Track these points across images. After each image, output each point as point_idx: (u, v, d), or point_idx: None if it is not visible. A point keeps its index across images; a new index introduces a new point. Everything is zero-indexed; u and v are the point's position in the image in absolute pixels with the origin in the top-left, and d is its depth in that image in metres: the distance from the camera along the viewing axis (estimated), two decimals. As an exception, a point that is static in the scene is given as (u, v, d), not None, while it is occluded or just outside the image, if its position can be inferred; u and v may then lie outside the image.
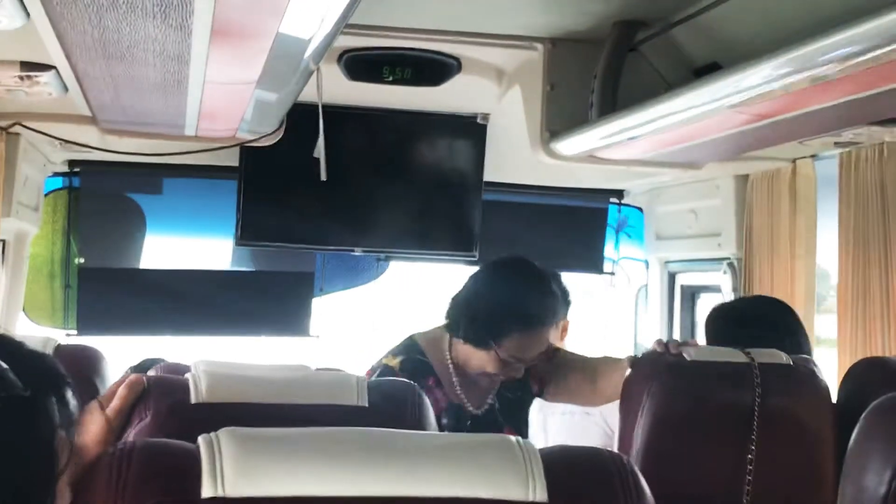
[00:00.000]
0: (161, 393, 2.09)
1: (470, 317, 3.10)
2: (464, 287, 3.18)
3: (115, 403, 1.87)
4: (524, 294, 3.11)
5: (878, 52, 2.04)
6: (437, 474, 1.20)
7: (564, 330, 3.69)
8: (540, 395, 3.32)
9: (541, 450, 1.26)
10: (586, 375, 3.21)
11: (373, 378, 2.92)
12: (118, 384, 1.96)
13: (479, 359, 3.11)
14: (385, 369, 3.12)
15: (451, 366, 3.19)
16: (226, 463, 1.17)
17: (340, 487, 1.18)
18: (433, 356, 3.19)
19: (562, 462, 1.28)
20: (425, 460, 1.22)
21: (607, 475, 1.29)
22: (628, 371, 2.77)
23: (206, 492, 1.17)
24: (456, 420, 3.14)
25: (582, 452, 1.33)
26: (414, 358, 3.17)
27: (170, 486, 1.18)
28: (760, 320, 3.10)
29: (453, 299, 3.18)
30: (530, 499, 1.22)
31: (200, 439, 1.20)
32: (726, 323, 3.14)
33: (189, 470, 1.18)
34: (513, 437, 1.27)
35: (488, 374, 3.13)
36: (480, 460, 1.23)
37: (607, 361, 3.18)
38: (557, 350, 3.32)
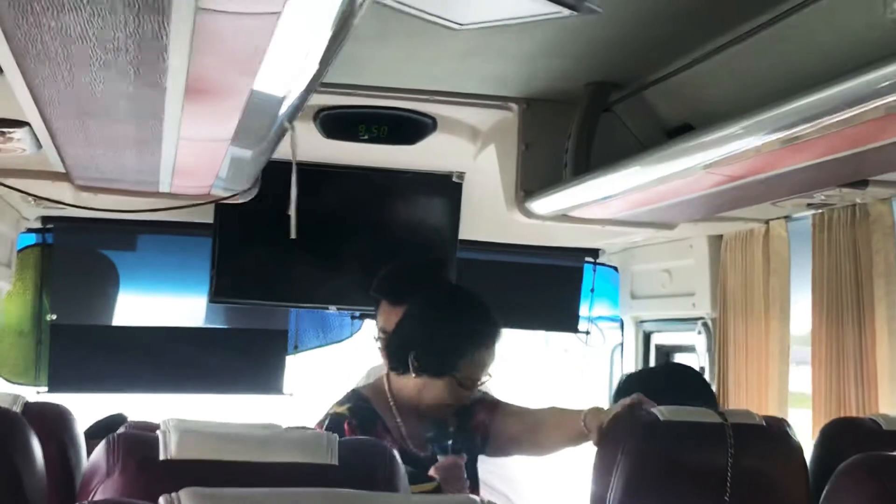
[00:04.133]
0: (129, 449, 2.08)
1: (423, 348, 3.14)
2: (404, 325, 3.22)
3: None
4: (473, 315, 3.19)
5: (850, 113, 2.06)
6: (402, 536, 1.19)
7: None
8: (482, 450, 3.30)
9: (507, 511, 1.25)
10: (528, 426, 3.25)
11: (323, 429, 2.97)
12: None
13: (433, 390, 3.14)
14: (333, 417, 3.16)
15: (394, 410, 3.22)
16: (186, 525, 1.16)
17: (303, 549, 1.17)
18: (376, 402, 3.23)
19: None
20: (389, 522, 1.21)
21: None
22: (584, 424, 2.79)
23: (167, 554, 1.15)
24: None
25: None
26: (360, 405, 3.21)
27: (130, 547, 1.16)
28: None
29: (396, 339, 3.22)
30: (496, 562, 1.21)
31: (161, 500, 1.19)
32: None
33: (150, 531, 1.16)
34: (478, 498, 1.25)
35: (441, 405, 3.15)
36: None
37: (553, 412, 3.23)
38: (499, 402, 3.32)
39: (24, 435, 2.07)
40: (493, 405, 3.28)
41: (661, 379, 3.33)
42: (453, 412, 3.22)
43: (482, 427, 3.28)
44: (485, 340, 3.16)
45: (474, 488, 3.21)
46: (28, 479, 1.98)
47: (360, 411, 3.19)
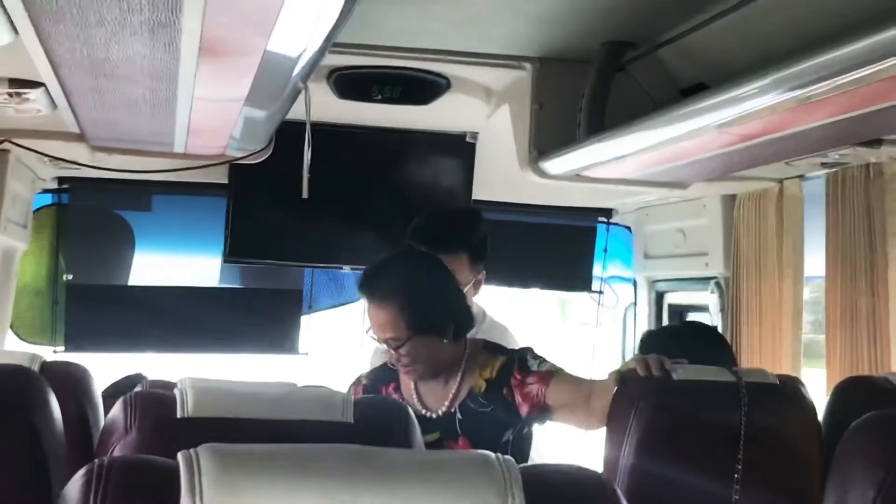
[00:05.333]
0: (147, 407, 2.10)
1: (457, 313, 3.16)
2: (430, 292, 3.14)
3: None
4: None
5: (865, 72, 2.05)
6: (417, 491, 1.20)
7: (479, 283, 3.68)
8: (538, 418, 3.18)
9: (521, 467, 1.26)
10: (582, 394, 3.11)
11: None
12: None
13: (449, 353, 3.15)
14: (356, 380, 3.26)
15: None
16: (205, 479, 1.17)
17: (319, 503, 1.18)
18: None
19: (542, 480, 1.28)
20: (405, 477, 1.22)
21: (588, 494, 1.29)
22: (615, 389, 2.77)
23: (186, 508, 1.17)
24: None
25: (562, 471, 1.33)
26: (382, 368, 3.26)
27: (148, 503, 1.17)
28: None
29: (430, 304, 3.12)
30: (509, 516, 1.22)
31: (180, 455, 1.20)
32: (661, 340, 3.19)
33: (168, 486, 1.18)
34: (493, 455, 1.27)
35: (453, 365, 3.16)
36: (460, 477, 1.23)
37: (598, 383, 3.12)
38: (554, 372, 3.17)
39: (42, 394, 2.09)
40: (547, 374, 3.14)
41: (681, 337, 3.32)
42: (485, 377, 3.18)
43: (530, 398, 3.14)
44: None
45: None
46: (47, 438, 2.00)
47: (375, 374, 3.26)
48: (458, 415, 3.15)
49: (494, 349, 3.24)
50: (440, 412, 3.16)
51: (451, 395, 3.17)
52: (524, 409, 3.14)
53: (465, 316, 3.21)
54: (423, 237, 3.58)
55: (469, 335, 3.27)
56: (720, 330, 4.22)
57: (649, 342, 3.24)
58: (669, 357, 2.75)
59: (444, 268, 3.22)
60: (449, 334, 3.12)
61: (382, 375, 3.26)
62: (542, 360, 3.18)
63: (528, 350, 3.23)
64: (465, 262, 3.57)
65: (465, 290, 3.53)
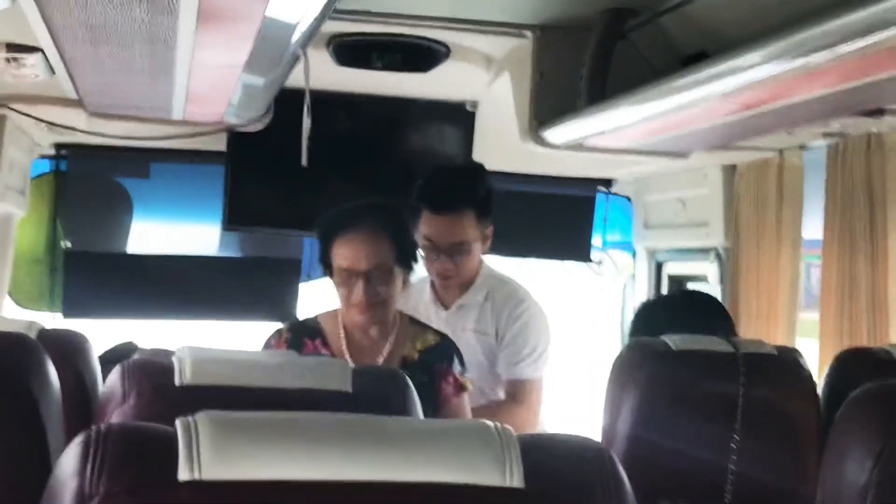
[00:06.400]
0: (144, 375, 2.09)
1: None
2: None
3: None
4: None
5: (867, 41, 2.04)
6: (414, 460, 1.20)
7: (488, 238, 3.75)
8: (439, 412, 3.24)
9: (519, 436, 1.26)
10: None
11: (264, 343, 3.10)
12: None
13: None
14: (273, 334, 3.24)
15: (340, 327, 3.22)
16: (203, 446, 1.17)
17: (317, 472, 1.18)
18: (325, 323, 3.25)
19: (540, 449, 1.27)
20: (402, 446, 1.22)
21: (586, 463, 1.29)
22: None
23: (183, 475, 1.16)
24: None
25: (561, 440, 1.33)
26: (303, 322, 3.30)
27: (145, 470, 1.17)
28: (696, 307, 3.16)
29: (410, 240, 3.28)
30: (507, 485, 1.22)
31: (178, 422, 1.20)
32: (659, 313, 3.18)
33: (166, 453, 1.17)
34: (491, 423, 1.26)
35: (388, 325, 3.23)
36: (458, 446, 1.23)
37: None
38: (466, 388, 3.26)
39: (39, 361, 2.08)
40: (461, 387, 3.23)
41: (680, 306, 3.31)
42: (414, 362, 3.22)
43: (448, 394, 3.22)
44: None
45: None
46: (45, 405, 2.00)
47: (299, 325, 3.30)
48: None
49: (421, 325, 3.34)
50: None
51: (382, 357, 3.21)
52: (441, 396, 3.21)
53: None
54: (428, 196, 3.63)
55: (479, 290, 3.71)
56: (720, 300, 4.21)
57: (646, 313, 3.23)
58: (668, 330, 2.75)
59: None
60: None
61: (306, 328, 3.25)
62: (464, 369, 3.28)
63: (458, 350, 3.30)
64: (472, 218, 3.64)
65: (473, 245, 3.58)
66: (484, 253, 3.78)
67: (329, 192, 4.46)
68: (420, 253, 3.55)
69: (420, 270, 3.58)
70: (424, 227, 3.63)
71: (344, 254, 3.12)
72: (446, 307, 3.82)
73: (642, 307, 3.37)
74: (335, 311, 3.26)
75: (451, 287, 3.78)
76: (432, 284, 3.83)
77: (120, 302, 4.72)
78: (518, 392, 3.72)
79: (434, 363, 3.22)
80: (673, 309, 3.18)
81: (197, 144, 4.16)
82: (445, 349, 3.27)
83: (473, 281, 3.79)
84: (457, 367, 3.23)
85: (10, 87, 3.41)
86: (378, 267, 3.10)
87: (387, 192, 4.38)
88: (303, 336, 3.22)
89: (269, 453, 1.18)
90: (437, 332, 3.36)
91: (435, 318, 3.75)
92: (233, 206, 4.47)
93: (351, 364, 3.07)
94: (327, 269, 3.20)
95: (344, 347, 3.21)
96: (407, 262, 3.18)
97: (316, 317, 3.29)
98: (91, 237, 4.70)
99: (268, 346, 3.20)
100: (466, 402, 3.26)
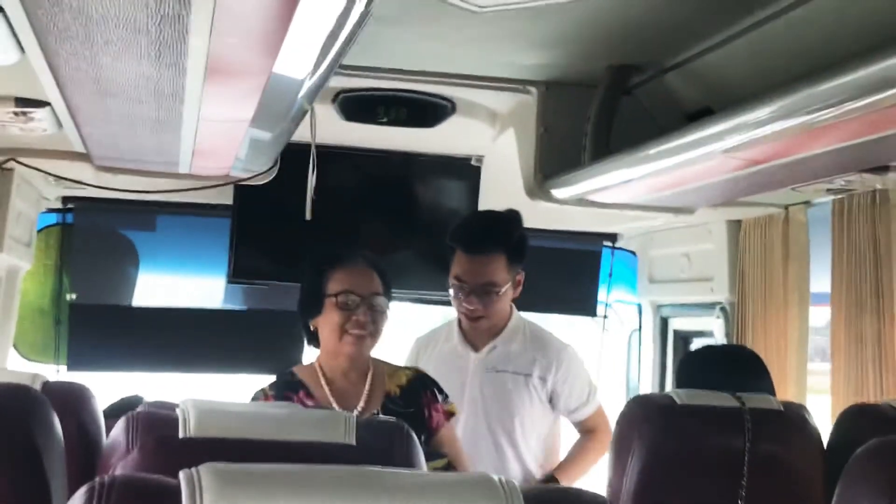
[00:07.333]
0: (149, 427, 2.09)
1: None
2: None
3: None
4: None
5: (870, 99, 2.05)
6: (418, 513, 1.20)
7: (519, 283, 3.78)
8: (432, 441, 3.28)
9: (522, 489, 1.25)
10: (455, 448, 3.32)
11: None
12: None
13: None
14: (257, 393, 3.25)
15: (320, 375, 3.24)
16: (206, 498, 1.17)
17: (320, 525, 1.18)
18: (303, 374, 3.27)
19: (543, 501, 1.27)
20: (405, 498, 1.21)
21: (590, 516, 1.29)
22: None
23: (187, 527, 1.16)
24: None
25: (563, 493, 1.33)
26: (284, 379, 3.28)
27: (149, 521, 1.17)
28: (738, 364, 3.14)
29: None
30: (512, 538, 1.22)
31: (181, 474, 1.20)
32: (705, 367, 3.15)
33: (169, 505, 1.17)
34: (494, 476, 1.26)
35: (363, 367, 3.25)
36: (463, 499, 1.22)
37: (463, 465, 3.34)
38: (453, 414, 3.35)
39: (44, 413, 2.08)
40: (449, 413, 3.31)
41: (722, 364, 3.27)
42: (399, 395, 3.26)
43: (437, 423, 3.28)
44: None
45: None
46: (48, 456, 1.99)
47: (282, 381, 3.27)
48: (382, 415, 3.21)
49: (385, 362, 3.36)
50: (358, 411, 3.19)
51: (364, 397, 3.23)
52: (433, 424, 3.26)
53: None
54: (461, 237, 3.71)
55: (514, 334, 3.81)
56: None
57: (689, 368, 3.19)
58: (712, 387, 2.74)
59: None
60: None
61: (287, 384, 3.26)
62: (446, 396, 3.34)
63: (433, 380, 3.36)
64: (503, 261, 3.68)
65: (503, 290, 3.61)
66: (515, 298, 3.81)
67: (334, 246, 4.47)
68: (450, 292, 3.70)
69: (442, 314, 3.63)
70: (456, 267, 3.69)
71: (344, 279, 3.19)
72: (476, 349, 3.83)
73: (682, 362, 3.37)
74: (310, 364, 3.31)
75: (480, 329, 3.81)
76: (460, 326, 3.86)
77: (125, 355, 4.71)
78: (598, 423, 3.92)
79: (416, 393, 3.27)
80: (714, 365, 3.13)
81: (203, 198, 4.17)
82: (423, 379, 3.33)
83: (506, 325, 3.83)
84: (439, 396, 3.30)
85: (18, 141, 3.42)
86: (375, 294, 3.17)
87: (392, 247, 4.42)
88: (285, 392, 3.23)
89: (271, 505, 1.17)
90: (406, 367, 3.46)
91: (463, 359, 3.81)
92: (238, 260, 4.48)
93: (337, 408, 3.10)
94: (318, 302, 3.23)
95: (328, 394, 3.22)
96: (389, 298, 3.24)
97: (292, 371, 3.31)
98: (96, 290, 4.70)
99: None
100: (454, 424, 3.36)
